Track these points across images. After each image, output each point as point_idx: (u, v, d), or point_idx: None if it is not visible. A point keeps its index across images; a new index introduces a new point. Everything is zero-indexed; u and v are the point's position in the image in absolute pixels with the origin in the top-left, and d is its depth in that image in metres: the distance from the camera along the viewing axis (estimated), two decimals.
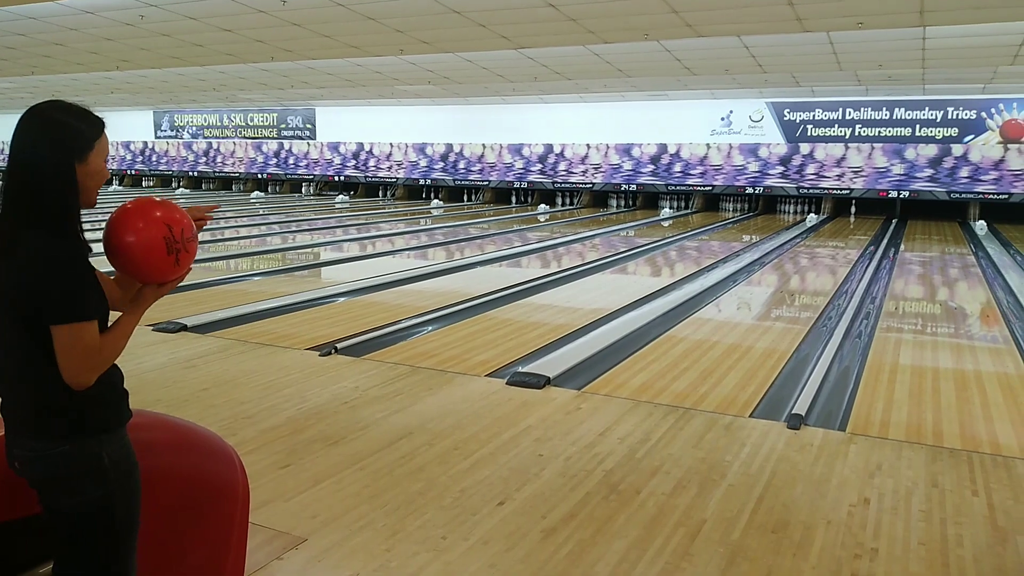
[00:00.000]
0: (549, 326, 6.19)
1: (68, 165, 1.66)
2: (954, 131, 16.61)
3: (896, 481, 3.29)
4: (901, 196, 17.27)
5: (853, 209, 18.19)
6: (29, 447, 1.69)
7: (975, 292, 8.55)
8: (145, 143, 26.98)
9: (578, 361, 5.07)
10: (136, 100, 21.12)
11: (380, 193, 23.44)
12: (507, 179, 21.33)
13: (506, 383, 4.60)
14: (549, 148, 20.75)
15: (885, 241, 13.02)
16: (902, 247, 12.29)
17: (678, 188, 19.37)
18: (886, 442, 3.74)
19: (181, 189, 25.49)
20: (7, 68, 14.23)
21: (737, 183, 18.74)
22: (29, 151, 1.65)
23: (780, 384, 4.69)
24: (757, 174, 18.52)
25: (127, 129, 26.57)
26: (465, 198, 22.19)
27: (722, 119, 18.62)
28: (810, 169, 18.01)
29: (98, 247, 1.77)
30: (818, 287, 8.80)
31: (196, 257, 1.84)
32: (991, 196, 16.49)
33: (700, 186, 19.10)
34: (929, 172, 16.93)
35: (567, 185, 20.61)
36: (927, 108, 16.72)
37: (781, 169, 18.27)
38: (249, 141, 24.90)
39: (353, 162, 23.43)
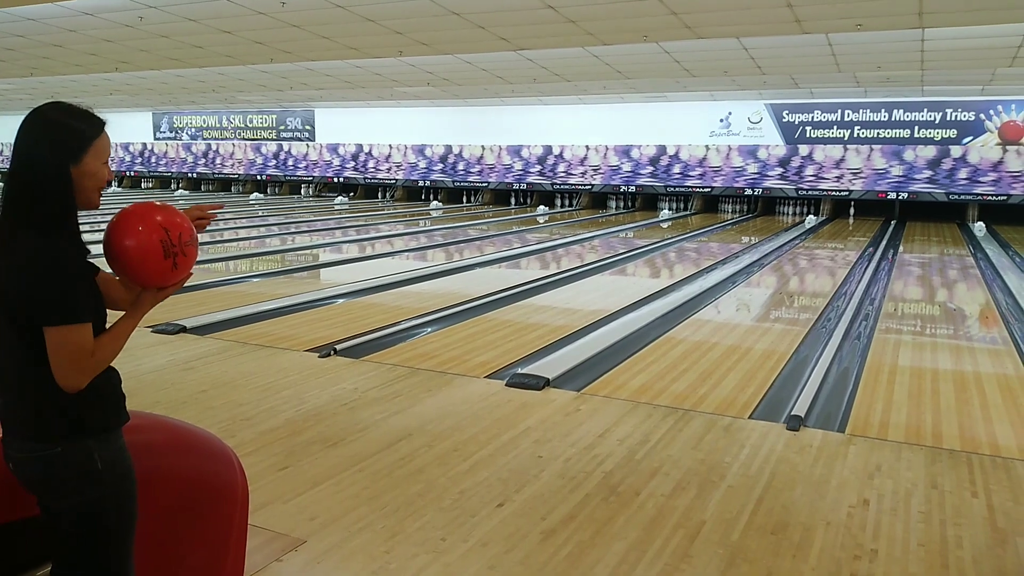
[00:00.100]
0: (548, 327, 6.18)
1: (61, 165, 1.65)
2: (953, 132, 16.63)
3: (895, 482, 3.29)
4: (900, 198, 17.29)
5: (852, 210, 18.22)
6: (23, 448, 1.69)
7: (974, 293, 8.56)
8: (144, 144, 26.98)
9: (577, 362, 5.07)
10: (135, 101, 21.12)
11: (379, 195, 23.45)
12: (506, 180, 21.33)
13: (505, 384, 4.60)
14: (548, 150, 20.76)
15: (884, 242, 13.03)
16: (901, 248, 12.30)
17: (677, 190, 19.39)
18: (885, 443, 3.74)
19: (180, 190, 25.49)
20: (6, 69, 14.23)
21: (736, 184, 18.75)
22: (25, 152, 1.66)
23: (779, 385, 4.69)
24: (756, 176, 18.54)
25: (126, 130, 26.57)
26: (464, 199, 22.20)
27: (721, 121, 18.64)
28: (809, 171, 18.02)
29: (98, 249, 1.77)
30: (817, 288, 8.80)
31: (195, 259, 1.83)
32: (990, 197, 16.51)
33: (699, 188, 19.12)
34: (928, 174, 16.94)
35: (566, 187, 20.62)
36: (926, 110, 16.74)
37: (780, 171, 18.29)
38: (248, 143, 24.90)
39: (352, 164, 23.44)
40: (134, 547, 1.81)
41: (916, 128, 16.91)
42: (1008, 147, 16.29)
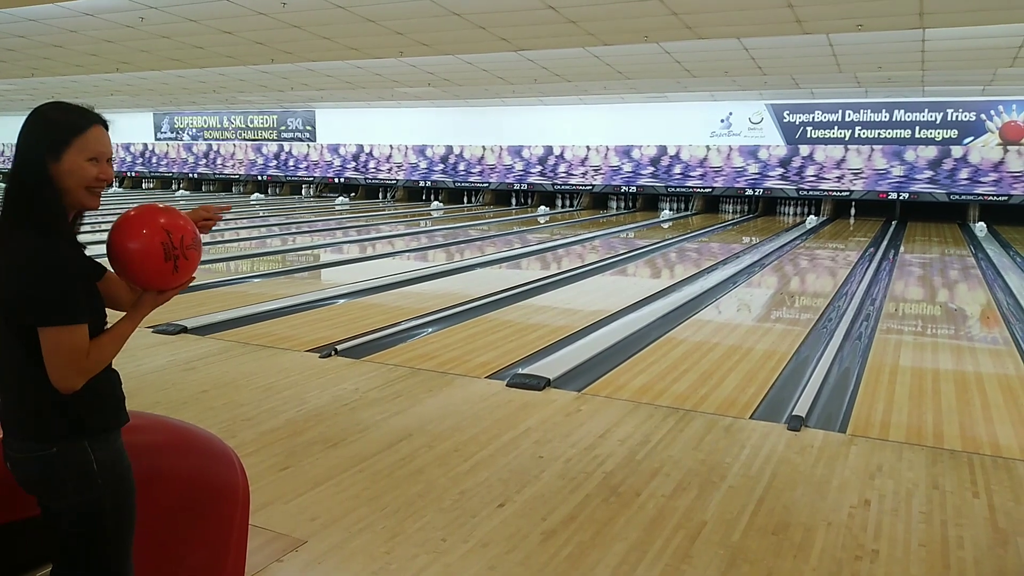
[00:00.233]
0: (549, 328, 6.18)
1: (37, 162, 1.64)
2: (954, 133, 16.62)
3: (897, 483, 3.29)
4: (901, 198, 17.28)
5: (853, 211, 18.21)
6: (22, 448, 1.69)
7: (975, 294, 8.55)
8: (145, 145, 26.99)
9: (578, 363, 5.07)
10: (136, 102, 21.13)
11: (380, 195, 23.46)
12: (507, 181, 21.34)
13: (506, 385, 4.60)
14: (549, 150, 20.76)
15: (885, 243, 13.03)
16: (902, 249, 12.29)
17: (678, 190, 19.38)
18: (886, 444, 3.74)
19: (181, 191, 25.50)
20: (7, 70, 14.24)
21: (737, 185, 18.75)
22: (16, 150, 1.67)
23: (780, 386, 4.68)
24: (757, 176, 18.53)
25: (127, 131, 26.58)
26: (465, 200, 22.20)
27: (722, 121, 18.63)
28: (810, 171, 18.02)
29: (100, 249, 1.77)
30: (818, 289, 8.80)
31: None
32: (991, 198, 16.50)
33: (700, 188, 19.11)
34: (929, 174, 16.94)
35: (567, 187, 20.62)
36: (927, 110, 16.73)
37: (781, 171, 18.28)
38: (249, 143, 24.91)
39: (353, 164, 23.45)
40: (135, 547, 1.80)
41: (917, 128, 16.91)
42: (1009, 147, 16.28)
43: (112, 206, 15.90)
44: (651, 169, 19.59)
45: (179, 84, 16.48)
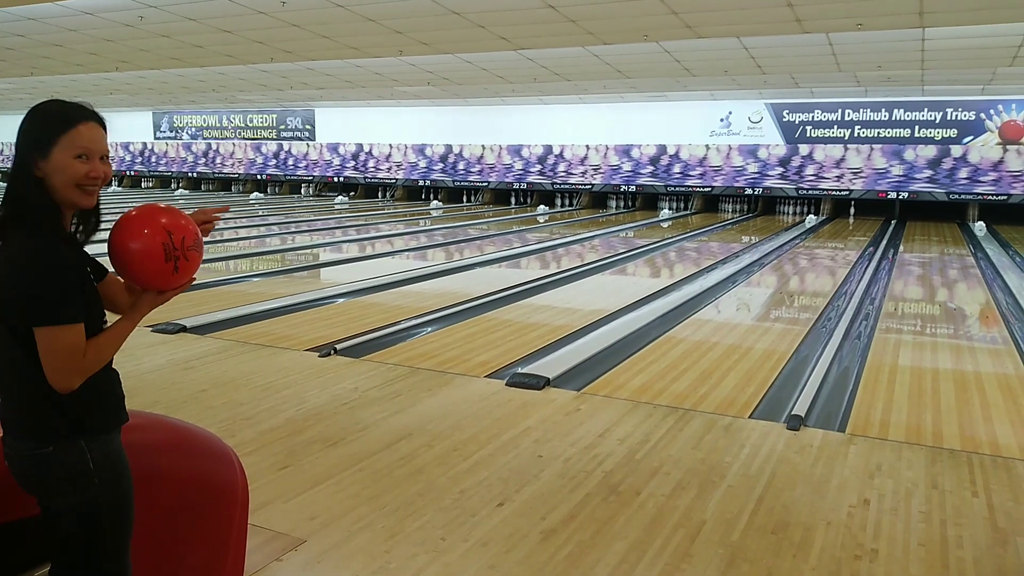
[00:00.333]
0: (549, 327, 6.18)
1: (23, 159, 1.63)
2: (953, 132, 16.62)
3: (896, 482, 3.29)
4: (900, 197, 17.29)
5: (852, 210, 18.22)
6: (19, 447, 1.69)
7: (974, 293, 8.55)
8: (144, 144, 26.98)
9: (578, 362, 5.07)
10: (135, 101, 21.12)
11: (379, 194, 23.45)
12: (506, 180, 21.34)
13: (506, 384, 4.60)
14: (548, 149, 20.76)
15: (884, 242, 13.03)
16: (901, 248, 12.30)
17: (677, 189, 19.39)
18: (886, 443, 3.74)
19: (180, 190, 25.49)
20: (6, 69, 14.23)
21: (736, 184, 18.75)
22: (15, 149, 1.67)
23: (780, 385, 4.69)
24: (756, 175, 18.54)
25: (126, 130, 26.58)
26: (464, 199, 22.20)
27: (721, 120, 18.64)
28: (809, 170, 18.02)
29: (101, 248, 1.77)
30: (817, 288, 8.80)
31: None
32: (990, 197, 16.51)
33: (699, 187, 19.12)
34: (928, 173, 16.94)
35: (566, 186, 20.62)
36: (926, 109, 16.74)
37: (780, 170, 18.29)
38: (248, 142, 24.90)
39: (352, 163, 23.44)
40: (134, 546, 1.80)
41: (916, 128, 16.91)
42: (1008, 147, 16.28)
43: (113, 206, 15.89)
44: (650, 168, 19.59)
45: (178, 83, 16.48)
